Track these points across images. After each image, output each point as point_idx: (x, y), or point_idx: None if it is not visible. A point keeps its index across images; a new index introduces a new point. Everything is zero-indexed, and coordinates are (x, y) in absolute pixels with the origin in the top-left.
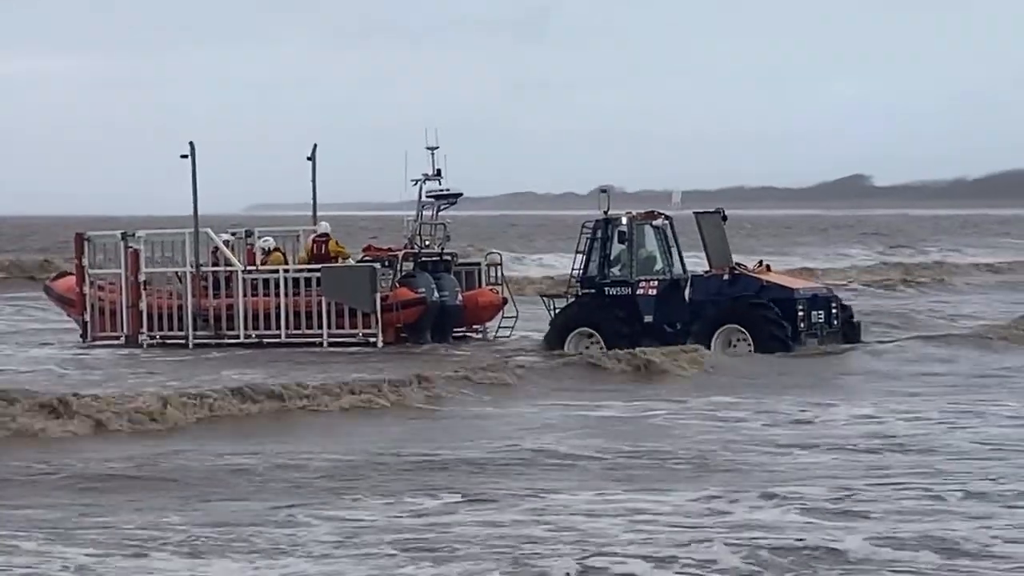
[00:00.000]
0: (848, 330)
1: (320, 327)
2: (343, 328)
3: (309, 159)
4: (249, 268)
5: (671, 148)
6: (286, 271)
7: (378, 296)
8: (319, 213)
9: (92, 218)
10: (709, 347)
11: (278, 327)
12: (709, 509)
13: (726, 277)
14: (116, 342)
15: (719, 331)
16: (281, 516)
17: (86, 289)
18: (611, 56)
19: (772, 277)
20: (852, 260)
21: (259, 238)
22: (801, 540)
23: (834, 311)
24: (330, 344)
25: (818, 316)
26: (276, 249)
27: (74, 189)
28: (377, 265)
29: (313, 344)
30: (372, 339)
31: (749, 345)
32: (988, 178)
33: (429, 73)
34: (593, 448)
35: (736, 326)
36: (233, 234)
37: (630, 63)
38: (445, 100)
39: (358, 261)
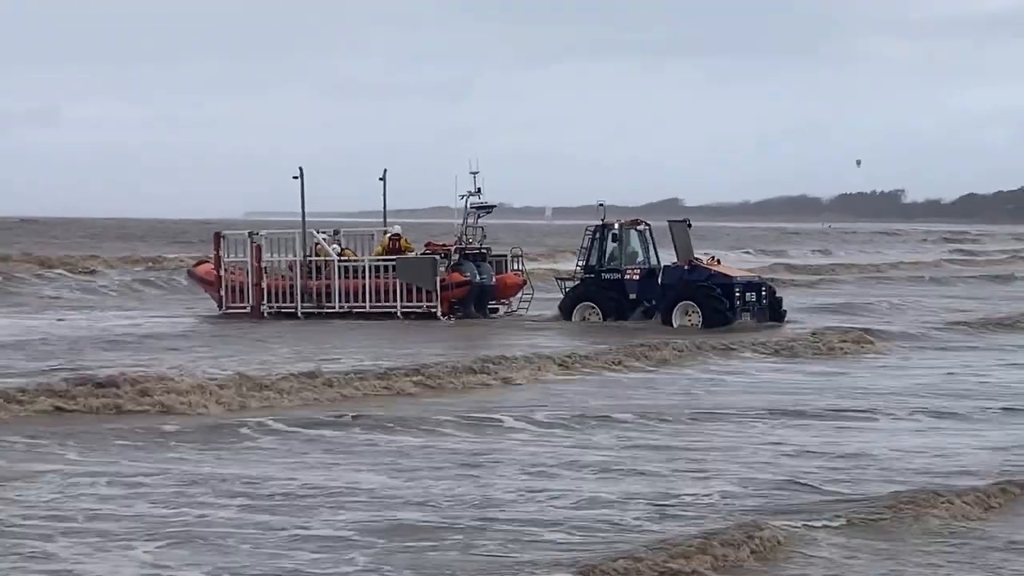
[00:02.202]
0: (773, 307)
1: (395, 301)
2: (412, 302)
3: (380, 179)
4: (342, 259)
5: (547, 171)
6: (371, 261)
7: (438, 279)
8: (315, 220)
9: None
10: (672, 317)
11: (364, 301)
12: None
13: (686, 267)
14: (243, 311)
15: (678, 305)
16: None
17: (222, 273)
18: (513, 111)
19: (719, 268)
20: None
21: (338, 238)
22: None
23: (763, 293)
24: (402, 314)
25: (751, 296)
26: (346, 248)
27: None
28: (437, 256)
29: (389, 314)
30: (433, 310)
31: (699, 316)
32: (765, 201)
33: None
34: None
35: (690, 302)
36: (324, 233)
37: (522, 117)
38: (400, 141)
39: (421, 254)
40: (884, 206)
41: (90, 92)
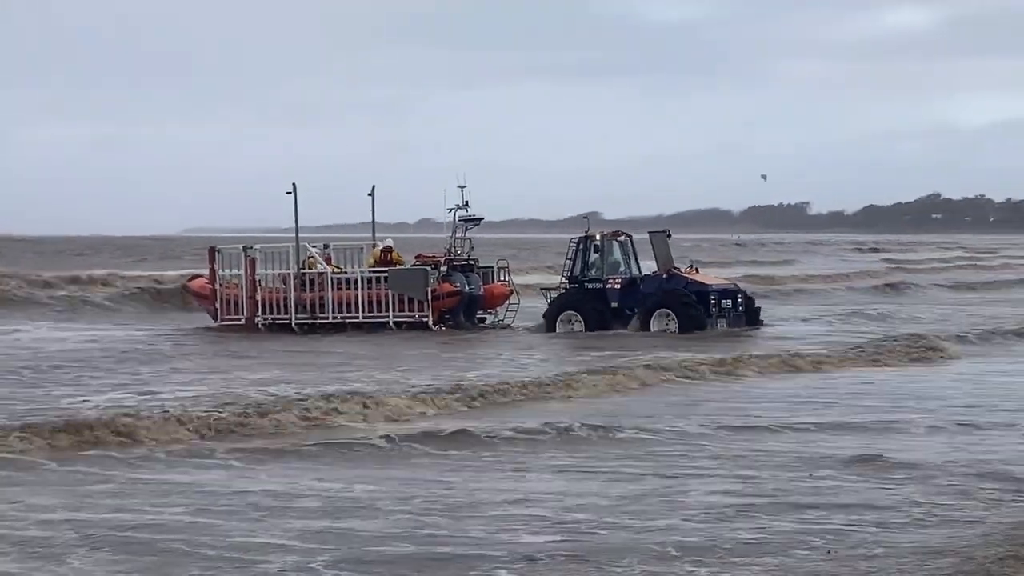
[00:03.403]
0: (750, 314)
1: (387, 311)
2: (403, 312)
3: (369, 195)
4: (334, 271)
5: (477, 185)
6: (363, 272)
7: (429, 289)
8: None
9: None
10: (650, 324)
11: (357, 311)
12: None
13: (665, 276)
14: (238, 323)
15: (656, 313)
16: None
17: (217, 286)
18: (446, 130)
19: (696, 276)
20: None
21: (327, 252)
22: None
23: (739, 300)
24: (394, 323)
25: (726, 303)
26: (334, 266)
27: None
28: (428, 268)
29: (382, 324)
30: (424, 319)
31: (676, 323)
32: (677, 214)
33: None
34: None
35: (667, 310)
36: (314, 247)
37: (457, 134)
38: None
39: (412, 265)
40: (791, 218)
41: (37, 115)
